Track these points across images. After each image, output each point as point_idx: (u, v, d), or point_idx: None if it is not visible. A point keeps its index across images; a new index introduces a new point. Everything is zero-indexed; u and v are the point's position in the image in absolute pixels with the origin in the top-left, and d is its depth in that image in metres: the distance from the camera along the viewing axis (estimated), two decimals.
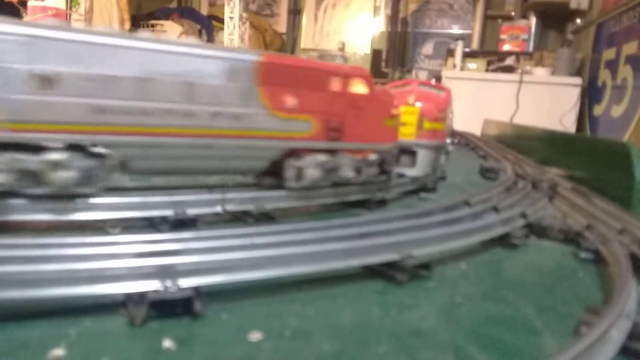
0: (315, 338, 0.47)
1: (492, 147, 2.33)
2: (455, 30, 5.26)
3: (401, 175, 1.20)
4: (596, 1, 3.75)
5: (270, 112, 0.85)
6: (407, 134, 1.20)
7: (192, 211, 0.79)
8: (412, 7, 5.23)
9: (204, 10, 5.92)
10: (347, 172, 0.97)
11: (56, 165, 0.68)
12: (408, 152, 1.22)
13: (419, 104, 1.23)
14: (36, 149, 0.68)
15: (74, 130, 0.69)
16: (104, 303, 0.48)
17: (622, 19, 3.10)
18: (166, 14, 5.14)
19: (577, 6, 3.87)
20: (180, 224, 0.76)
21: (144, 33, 0.79)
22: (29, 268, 0.46)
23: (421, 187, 1.23)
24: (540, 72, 3.86)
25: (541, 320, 0.56)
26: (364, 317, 0.53)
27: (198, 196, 0.83)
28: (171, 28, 4.72)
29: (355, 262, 0.63)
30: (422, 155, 1.23)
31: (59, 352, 0.41)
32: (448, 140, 1.41)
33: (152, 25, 4.72)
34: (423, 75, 4.61)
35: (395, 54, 5.02)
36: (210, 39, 5.08)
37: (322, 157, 0.92)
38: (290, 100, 0.87)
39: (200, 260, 0.53)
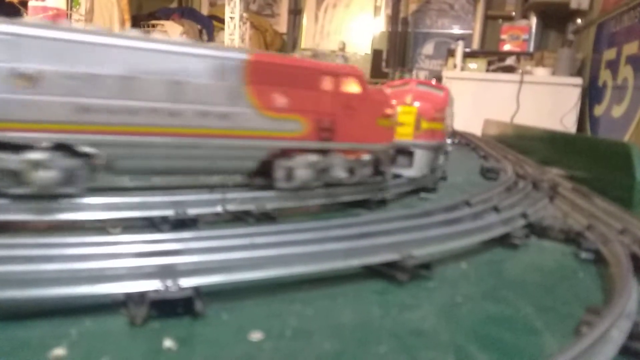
0: (315, 338, 0.47)
1: (492, 147, 2.33)
2: (456, 30, 5.25)
3: (397, 176, 1.18)
4: (597, 1, 3.74)
5: (259, 112, 0.83)
6: (405, 134, 1.18)
7: (192, 211, 0.79)
8: (413, 7, 5.23)
9: (205, 11, 5.92)
10: (340, 173, 0.95)
11: (37, 164, 0.67)
12: (405, 152, 1.20)
13: (416, 104, 1.21)
14: (18, 148, 0.66)
15: (57, 130, 0.68)
16: (105, 303, 0.48)
17: (622, 19, 3.09)
18: (167, 14, 5.14)
19: (578, 6, 3.87)
20: (181, 223, 0.76)
21: (130, 31, 0.78)
22: (29, 268, 0.46)
23: (421, 187, 1.22)
24: (541, 72, 3.86)
25: (541, 320, 0.56)
26: (364, 317, 0.53)
27: (199, 196, 0.83)
28: (172, 28, 4.71)
29: (356, 262, 0.63)
30: (420, 156, 1.21)
31: (59, 351, 0.41)
32: (448, 141, 1.40)
33: (153, 26, 4.72)
34: (423, 75, 4.61)
35: (396, 54, 5.02)
36: (211, 39, 5.09)
37: (313, 158, 0.91)
38: (279, 100, 0.85)
39: (200, 260, 0.53)
